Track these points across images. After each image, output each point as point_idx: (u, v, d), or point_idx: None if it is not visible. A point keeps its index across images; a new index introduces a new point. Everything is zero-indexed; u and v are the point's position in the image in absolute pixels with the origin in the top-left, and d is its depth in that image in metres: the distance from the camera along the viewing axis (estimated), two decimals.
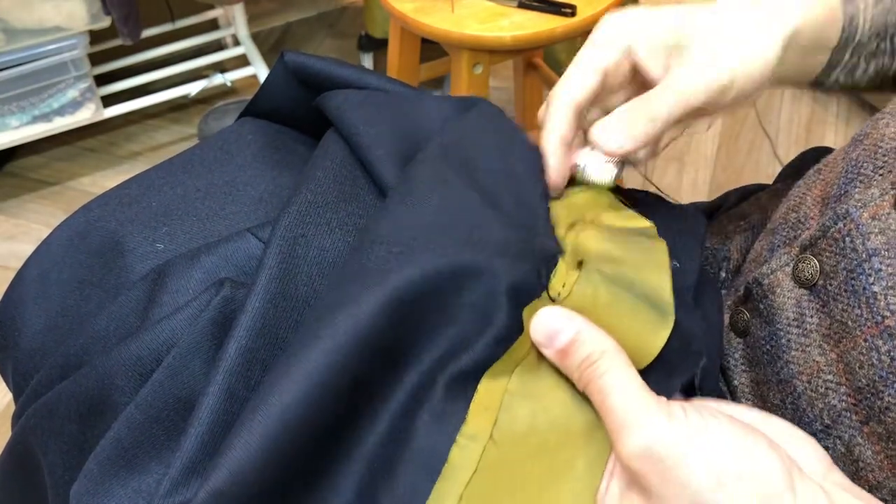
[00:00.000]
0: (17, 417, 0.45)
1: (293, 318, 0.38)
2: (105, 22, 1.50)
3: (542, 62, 1.54)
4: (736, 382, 0.47)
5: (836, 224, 0.41)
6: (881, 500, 0.35)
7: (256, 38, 1.97)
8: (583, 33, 1.21)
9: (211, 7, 1.86)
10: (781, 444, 0.34)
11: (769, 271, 0.45)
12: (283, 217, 0.40)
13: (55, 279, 0.45)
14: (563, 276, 0.41)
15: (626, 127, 0.45)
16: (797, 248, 0.44)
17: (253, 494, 0.33)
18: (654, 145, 0.51)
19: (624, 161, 0.48)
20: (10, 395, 1.34)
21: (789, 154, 1.65)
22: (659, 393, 0.35)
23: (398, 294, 0.35)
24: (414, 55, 1.35)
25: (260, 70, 1.79)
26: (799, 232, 0.45)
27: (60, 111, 1.56)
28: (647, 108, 0.44)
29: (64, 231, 0.46)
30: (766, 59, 0.45)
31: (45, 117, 1.55)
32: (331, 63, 0.50)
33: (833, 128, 1.74)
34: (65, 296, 0.45)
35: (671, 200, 0.55)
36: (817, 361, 0.41)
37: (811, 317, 0.42)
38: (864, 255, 0.39)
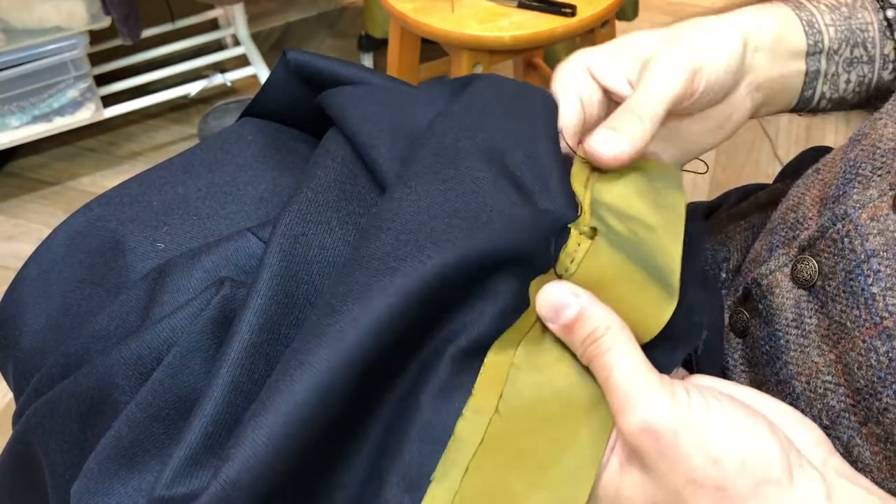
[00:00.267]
0: (17, 417, 0.45)
1: (295, 315, 0.38)
2: (105, 22, 1.50)
3: (542, 62, 1.54)
4: (735, 382, 0.47)
5: (835, 225, 0.41)
6: None
7: (256, 38, 1.97)
8: (583, 33, 1.21)
9: (211, 7, 1.86)
10: (782, 428, 0.34)
11: (768, 272, 0.45)
12: (284, 216, 0.40)
13: (56, 278, 0.45)
14: (572, 250, 0.40)
15: (616, 132, 0.43)
16: (796, 249, 0.44)
17: (266, 484, 0.33)
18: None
19: None
20: (10, 395, 1.34)
21: (789, 154, 1.65)
22: (662, 366, 0.35)
23: (409, 291, 0.35)
24: (414, 55, 1.35)
25: (260, 70, 1.79)
26: (797, 232, 0.45)
27: (60, 111, 1.56)
28: (632, 111, 0.44)
29: (64, 231, 0.46)
30: (727, 49, 0.46)
31: (45, 117, 1.55)
32: (333, 62, 0.50)
33: (833, 128, 1.74)
34: (65, 295, 0.45)
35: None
36: (816, 362, 0.41)
37: (810, 317, 0.42)
38: (862, 256, 0.39)
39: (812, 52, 0.49)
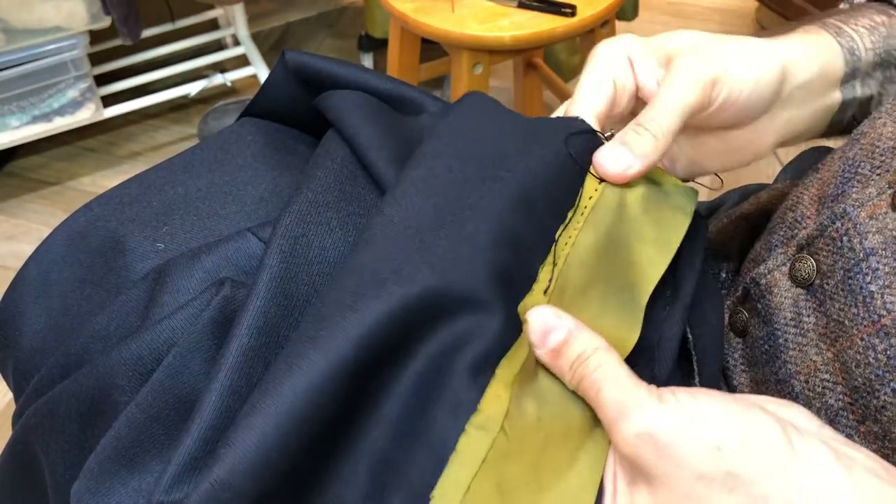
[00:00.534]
0: (17, 417, 0.45)
1: (294, 317, 0.38)
2: (105, 22, 1.50)
3: (542, 62, 1.54)
4: (735, 382, 0.47)
5: (834, 223, 0.41)
6: None
7: (256, 38, 1.97)
8: (583, 33, 1.21)
9: (211, 7, 1.86)
10: (770, 408, 0.34)
11: (766, 271, 0.45)
12: (284, 217, 0.40)
13: (56, 279, 0.45)
14: (549, 269, 0.41)
15: (626, 148, 0.43)
16: (794, 248, 0.44)
17: (256, 485, 0.33)
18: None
19: None
20: (10, 395, 1.34)
21: (789, 154, 1.65)
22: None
23: (402, 300, 0.36)
24: (414, 55, 1.35)
25: (260, 70, 1.79)
26: (796, 231, 0.45)
27: (60, 111, 1.56)
28: (645, 125, 0.43)
29: (64, 231, 0.46)
30: (759, 72, 0.45)
31: (45, 117, 1.55)
32: (332, 62, 0.50)
33: None
34: (65, 295, 0.45)
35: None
36: (814, 361, 0.41)
37: (808, 316, 0.42)
38: (861, 255, 0.39)
39: (848, 80, 0.48)
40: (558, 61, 1.66)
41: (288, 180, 0.48)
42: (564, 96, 1.44)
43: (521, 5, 1.17)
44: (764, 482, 0.31)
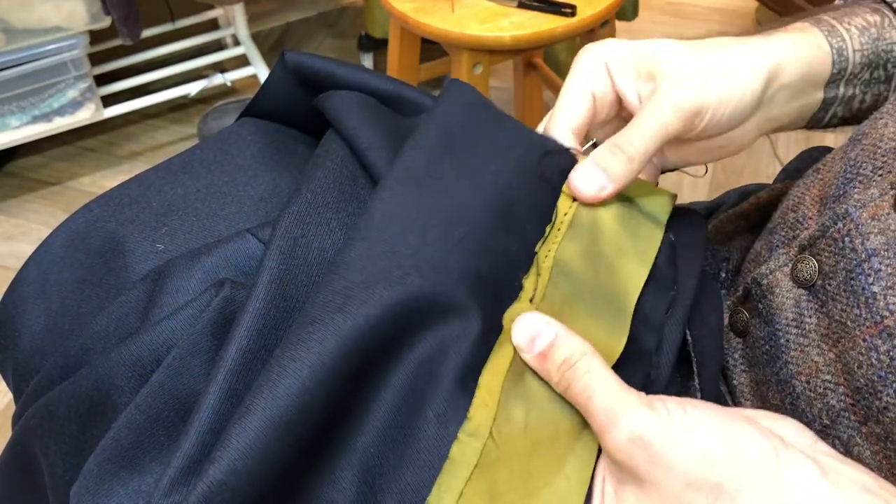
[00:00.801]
0: (17, 418, 0.45)
1: (293, 318, 0.38)
2: (105, 22, 1.50)
3: (542, 62, 1.54)
4: (735, 382, 0.47)
5: (836, 224, 0.41)
6: None
7: (256, 38, 1.97)
8: (583, 33, 1.21)
9: (211, 7, 1.86)
10: (759, 422, 0.34)
11: (768, 271, 0.45)
12: (284, 217, 0.40)
13: (55, 279, 0.45)
14: (533, 280, 0.42)
15: (599, 170, 0.44)
16: (796, 248, 0.44)
17: (251, 485, 0.33)
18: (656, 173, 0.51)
19: None
20: (10, 396, 1.34)
21: (789, 154, 1.65)
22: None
23: (389, 303, 0.36)
24: (414, 55, 1.35)
25: (260, 70, 1.79)
26: (797, 232, 0.45)
27: (60, 111, 1.56)
28: (621, 147, 0.44)
29: (64, 231, 0.46)
30: (743, 86, 0.45)
31: (45, 117, 1.55)
32: (331, 62, 0.50)
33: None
34: (65, 296, 0.45)
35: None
36: (816, 362, 0.41)
37: (810, 317, 0.42)
38: (863, 256, 0.39)
39: (833, 80, 0.49)
40: (558, 61, 1.66)
41: (287, 181, 0.47)
42: None
43: (521, 5, 1.16)
44: (748, 493, 0.32)
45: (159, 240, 0.44)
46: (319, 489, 0.36)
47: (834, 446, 0.41)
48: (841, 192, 0.43)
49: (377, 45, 1.91)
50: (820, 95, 0.49)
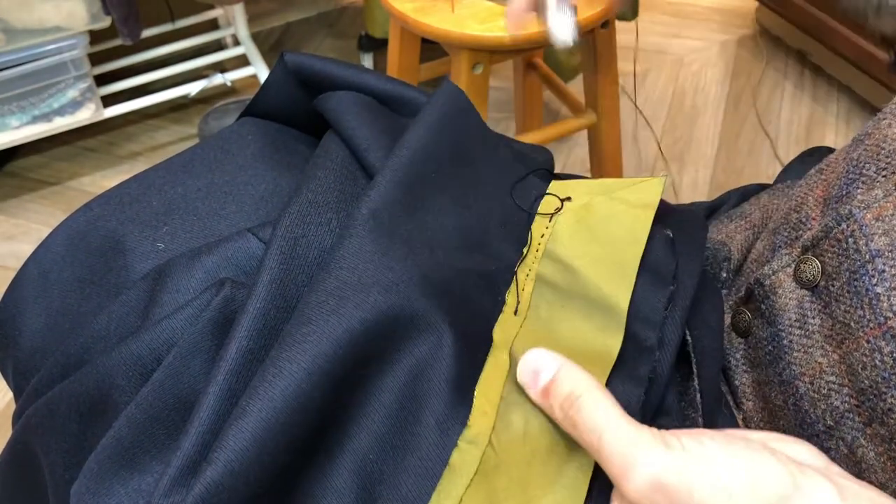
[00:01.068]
0: (17, 417, 0.45)
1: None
2: (105, 22, 1.50)
3: (542, 62, 1.54)
4: (737, 382, 0.47)
5: (839, 225, 0.41)
6: None
7: (256, 38, 1.97)
8: (583, 33, 1.21)
9: (211, 7, 1.86)
10: (773, 446, 0.34)
11: (771, 272, 0.45)
12: (284, 217, 0.40)
13: (55, 278, 0.45)
14: (514, 294, 0.42)
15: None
16: (799, 249, 0.44)
17: (248, 486, 0.33)
18: None
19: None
20: (10, 395, 1.34)
21: (789, 154, 1.65)
22: (626, 398, 0.36)
23: (378, 318, 0.37)
24: (414, 55, 1.35)
25: (260, 70, 1.79)
26: (800, 232, 0.45)
27: (60, 111, 1.56)
28: None
29: (64, 230, 0.46)
30: None
31: (45, 117, 1.55)
32: (331, 63, 0.50)
33: (833, 128, 1.74)
34: (65, 295, 0.45)
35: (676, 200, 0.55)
36: (819, 363, 0.41)
37: (813, 318, 0.42)
38: (867, 257, 0.39)
39: None
40: (558, 61, 1.66)
41: (288, 180, 0.47)
42: (564, 96, 1.44)
43: None
44: None
45: (160, 239, 0.44)
46: (317, 493, 0.36)
47: (838, 448, 0.41)
48: (844, 193, 0.43)
49: (377, 45, 1.90)
50: None
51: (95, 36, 1.56)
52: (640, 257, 0.43)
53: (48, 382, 0.42)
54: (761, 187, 0.62)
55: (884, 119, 0.44)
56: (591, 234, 0.44)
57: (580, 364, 0.37)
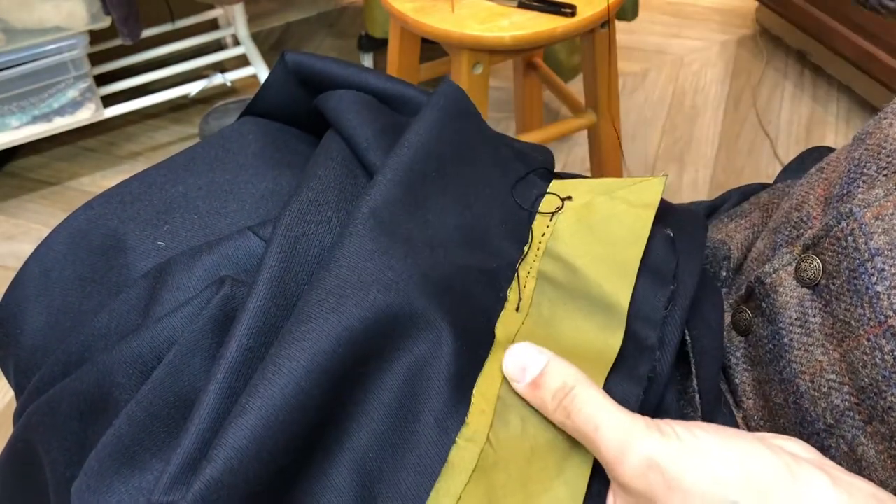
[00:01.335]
0: (18, 415, 0.45)
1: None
2: (105, 22, 1.50)
3: (542, 62, 1.54)
4: (737, 381, 0.47)
5: (840, 223, 0.41)
6: None
7: (256, 38, 1.97)
8: (583, 33, 1.21)
9: (211, 7, 1.86)
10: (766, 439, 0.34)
11: (771, 270, 0.45)
12: (285, 216, 0.40)
13: (56, 277, 0.45)
14: (516, 291, 0.42)
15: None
16: (799, 248, 0.44)
17: (248, 484, 0.33)
18: None
19: None
20: (11, 393, 1.34)
21: (789, 154, 1.65)
22: (624, 397, 0.36)
23: (377, 317, 0.37)
24: (414, 55, 1.35)
25: (260, 70, 1.79)
26: (801, 231, 0.45)
27: (60, 111, 1.56)
28: None
29: (65, 229, 0.46)
30: None
31: (45, 117, 1.55)
32: (331, 62, 0.50)
33: (833, 128, 1.74)
34: (66, 293, 0.45)
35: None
36: (820, 361, 0.41)
37: (814, 316, 0.42)
38: (867, 255, 0.39)
39: None
40: (558, 61, 1.66)
41: (288, 179, 0.48)
42: (564, 96, 1.44)
43: (521, 5, 1.16)
44: None
45: (161, 237, 0.44)
46: (316, 491, 0.36)
47: (838, 446, 0.41)
48: (845, 192, 0.43)
49: (377, 45, 1.91)
50: None
51: (95, 36, 1.56)
52: (640, 257, 0.43)
53: (49, 381, 0.42)
54: (761, 186, 0.62)
55: (885, 118, 0.44)
56: (592, 233, 0.44)
57: (580, 362, 0.37)
